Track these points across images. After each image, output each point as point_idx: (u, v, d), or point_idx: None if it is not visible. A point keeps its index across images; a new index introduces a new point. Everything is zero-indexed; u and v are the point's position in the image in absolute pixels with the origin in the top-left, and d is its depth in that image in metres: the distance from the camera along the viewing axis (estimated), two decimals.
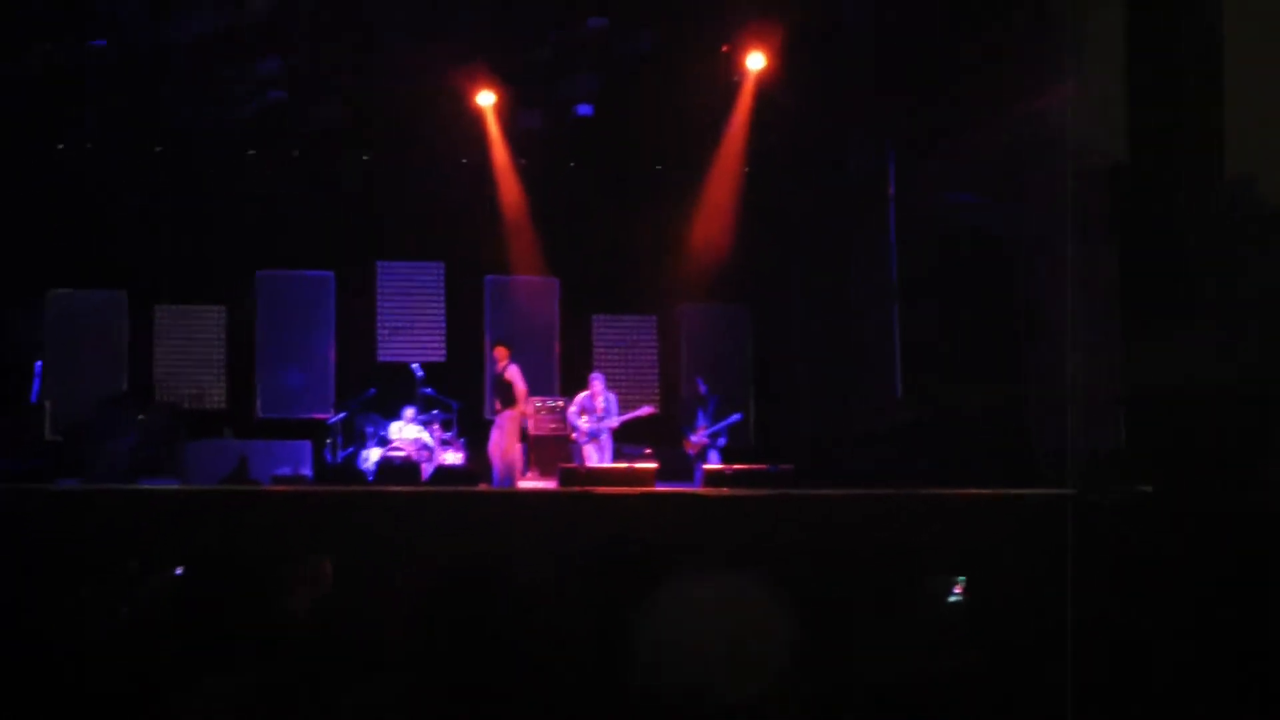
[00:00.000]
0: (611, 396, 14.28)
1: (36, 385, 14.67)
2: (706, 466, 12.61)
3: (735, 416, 14.53)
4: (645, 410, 14.50)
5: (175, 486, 12.20)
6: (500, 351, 14.14)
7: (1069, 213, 11.06)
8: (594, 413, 14.08)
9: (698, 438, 14.17)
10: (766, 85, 15.19)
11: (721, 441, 14.31)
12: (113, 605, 3.85)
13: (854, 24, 13.88)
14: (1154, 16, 10.02)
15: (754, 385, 16.65)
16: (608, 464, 13.68)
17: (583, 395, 14.23)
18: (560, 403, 15.04)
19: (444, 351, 16.56)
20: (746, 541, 7.90)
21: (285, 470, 13.00)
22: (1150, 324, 10.15)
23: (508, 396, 13.95)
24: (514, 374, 14.00)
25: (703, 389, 14.36)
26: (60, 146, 15.65)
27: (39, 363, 14.83)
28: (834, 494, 9.96)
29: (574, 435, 14.27)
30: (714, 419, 14.24)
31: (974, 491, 8.86)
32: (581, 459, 13.92)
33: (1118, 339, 10.28)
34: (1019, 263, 12.58)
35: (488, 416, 15.04)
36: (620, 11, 14.40)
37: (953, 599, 4.05)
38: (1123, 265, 10.31)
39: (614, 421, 14.13)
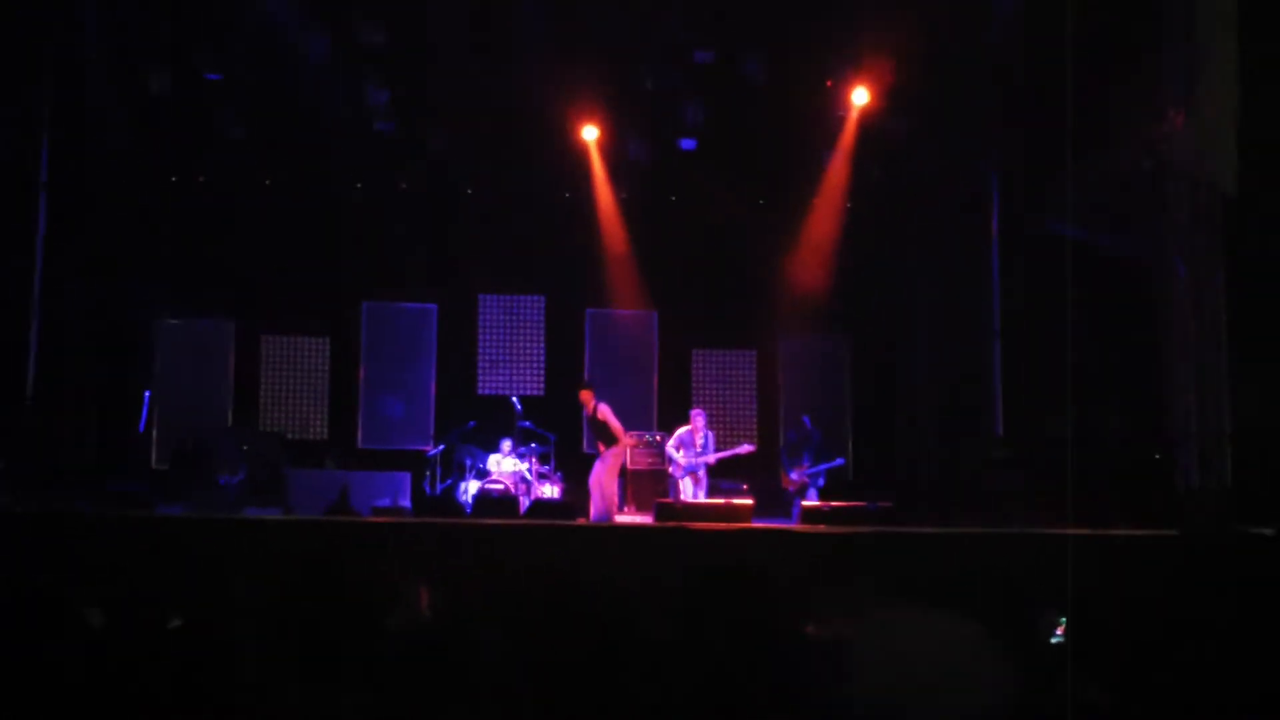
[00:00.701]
0: (710, 434, 14.20)
1: (144, 414, 14.96)
2: (805, 503, 12.49)
3: (838, 460, 14.36)
4: (745, 448, 14.37)
5: (278, 516, 12.36)
6: (585, 395, 13.89)
7: (1178, 245, 10.87)
8: (692, 447, 13.99)
9: (798, 475, 14.02)
10: (870, 118, 15.14)
11: (820, 481, 14.15)
12: (213, 630, 3.90)
13: (959, 56, 13.76)
14: (1268, 49, 9.85)
15: (853, 419, 16.51)
16: (703, 499, 13.62)
17: (683, 430, 14.14)
18: (659, 437, 15.01)
19: (543, 385, 16.66)
20: (845, 578, 7.82)
21: (384, 501, 13.09)
22: (1260, 359, 9.92)
23: (607, 436, 13.80)
24: (605, 412, 13.88)
25: (808, 425, 14.22)
26: (173, 179, 16.01)
27: (148, 392, 15.12)
28: (933, 531, 9.84)
29: (670, 469, 14.21)
30: (817, 458, 14.08)
31: (1075, 530, 8.69)
32: (677, 493, 13.87)
33: (1226, 375, 10.06)
34: (1127, 296, 12.37)
35: (586, 450, 15.08)
36: (725, 46, 14.46)
37: (1055, 640, 3.97)
38: (1232, 299, 10.10)
39: (711, 458, 14.04)
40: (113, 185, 14.94)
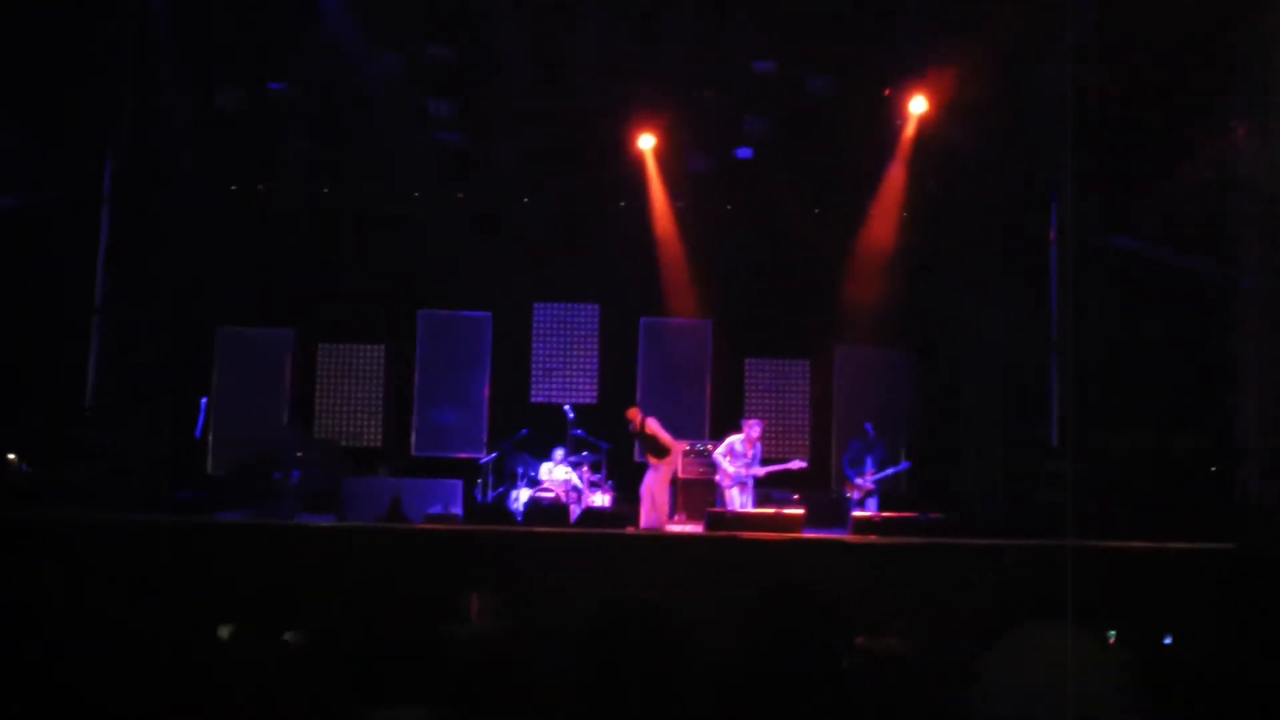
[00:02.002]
0: (759, 446, 14.15)
1: (201, 421, 15.10)
2: (855, 514, 12.44)
3: (904, 464, 14.32)
4: (796, 464, 14.29)
5: (333, 523, 12.47)
6: (632, 413, 14.34)
7: (1244, 260, 10.77)
8: (742, 457, 13.94)
9: (864, 481, 13.93)
10: (928, 129, 15.09)
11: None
12: (275, 637, 3.95)
13: (1020, 67, 13.69)
14: None
15: (909, 431, 16.38)
16: (752, 509, 13.57)
17: (734, 438, 14.09)
18: (709, 446, 14.97)
19: (596, 393, 16.68)
20: (891, 590, 7.80)
21: (437, 509, 13.17)
22: None
23: (657, 448, 14.05)
24: (654, 426, 14.10)
25: (871, 433, 14.13)
26: (233, 188, 16.20)
27: (204, 399, 15.28)
28: (981, 544, 9.79)
29: (717, 477, 14.16)
30: (881, 465, 14.01)
31: (1129, 544, 8.63)
32: (724, 502, 13.84)
33: None
34: (1188, 309, 12.26)
35: (637, 460, 15.10)
36: (785, 56, 14.47)
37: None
38: None
39: (761, 470, 13.99)
40: (173, 194, 15.11)
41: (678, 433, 14.73)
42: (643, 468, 14.48)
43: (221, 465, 15.49)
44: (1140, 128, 12.07)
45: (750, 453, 13.98)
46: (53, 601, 3.40)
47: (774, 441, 16.18)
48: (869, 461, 14.00)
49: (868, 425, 14.17)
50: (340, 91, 14.70)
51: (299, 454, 14.07)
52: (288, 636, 3.85)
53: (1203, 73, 11.32)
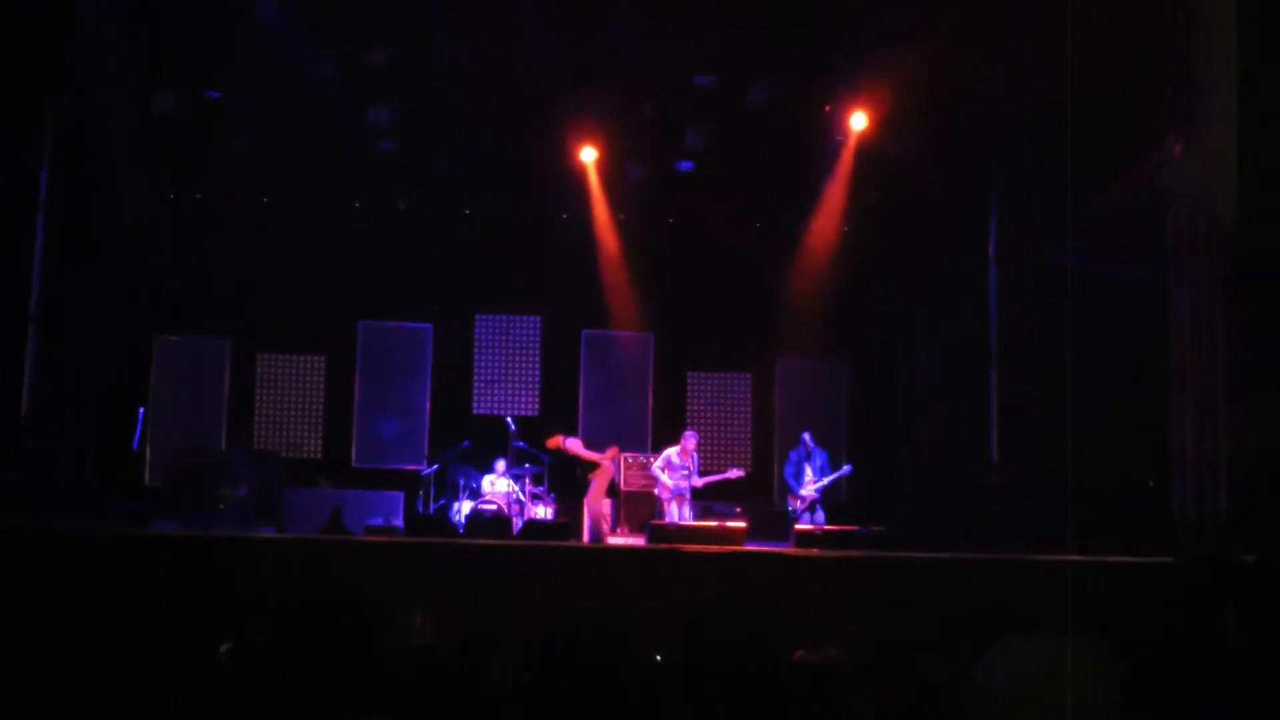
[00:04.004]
0: (697, 458, 14.19)
1: (138, 431, 14.90)
2: (798, 527, 12.47)
3: (845, 469, 14.28)
4: (734, 473, 14.35)
5: (272, 535, 12.34)
6: (551, 443, 14.47)
7: (1177, 273, 10.90)
8: (679, 470, 13.95)
9: (806, 492, 13.94)
10: (868, 143, 15.19)
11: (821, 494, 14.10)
12: (211, 650, 3.89)
13: (959, 82, 13.81)
14: (1269, 79, 9.89)
15: (850, 443, 16.46)
16: (691, 521, 13.59)
17: (670, 450, 14.11)
18: (649, 458, 14.97)
19: (538, 405, 16.64)
20: (831, 603, 7.82)
21: (378, 521, 13.07)
22: (1258, 387, 9.93)
23: (584, 465, 14.20)
24: (573, 445, 14.42)
25: (809, 443, 14.16)
26: (171, 196, 16.03)
27: (141, 409, 15.07)
28: (922, 557, 9.85)
29: (657, 490, 14.17)
30: (821, 473, 14.03)
31: (1069, 558, 8.70)
32: (665, 515, 13.85)
33: (1224, 401, 10.06)
34: (1125, 322, 12.38)
35: (579, 472, 15.07)
36: (726, 70, 14.52)
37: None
38: (1231, 326, 10.10)
39: (699, 481, 14.02)
40: (110, 202, 14.90)
41: (621, 445, 14.76)
42: (585, 479, 14.47)
43: (159, 475, 15.29)
44: (1079, 141, 12.20)
45: (688, 465, 14.00)
46: None
47: (716, 454, 16.21)
48: (809, 471, 14.03)
49: (805, 435, 14.21)
50: (280, 98, 14.59)
51: (245, 466, 13.92)
52: (223, 649, 3.79)
53: (1141, 86, 11.46)
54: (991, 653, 3.00)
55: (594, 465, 14.32)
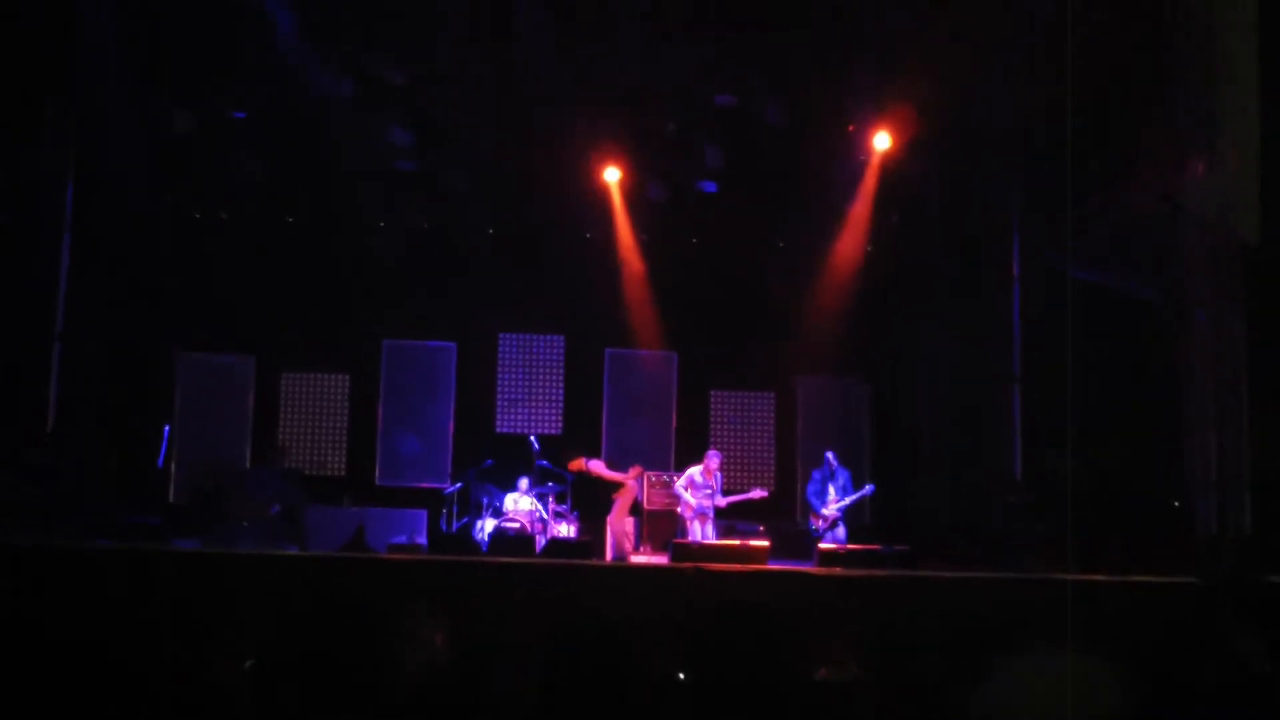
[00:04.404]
0: (720, 477, 14.16)
1: (164, 449, 14.97)
2: (821, 546, 12.43)
3: (868, 488, 14.22)
4: (757, 493, 14.32)
5: (295, 552, 12.36)
6: (572, 465, 14.48)
7: (1200, 291, 10.86)
8: (703, 488, 13.92)
9: (829, 511, 13.89)
10: (891, 162, 15.21)
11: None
12: (234, 664, 3.91)
13: (983, 102, 13.81)
14: None
15: (873, 462, 16.42)
16: (714, 540, 13.56)
17: (694, 469, 14.08)
18: (672, 477, 14.95)
19: (561, 424, 16.66)
20: (855, 622, 7.79)
21: (401, 539, 13.09)
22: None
23: (608, 486, 14.17)
24: (596, 467, 14.36)
25: (833, 462, 14.12)
26: (197, 216, 16.13)
27: (167, 427, 15.14)
28: (946, 576, 9.80)
29: (680, 509, 14.15)
30: (844, 492, 13.98)
31: (1093, 576, 8.65)
32: (686, 534, 13.82)
33: (1247, 420, 10.02)
34: (1147, 341, 12.34)
35: (602, 491, 15.06)
36: (747, 90, 14.56)
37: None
38: (1252, 345, 10.07)
39: (722, 501, 13.99)
40: (136, 222, 15.02)
41: (646, 464, 14.78)
42: (608, 498, 14.48)
43: (184, 494, 15.35)
44: (1100, 160, 12.19)
45: (711, 484, 13.98)
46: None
47: (739, 473, 16.21)
48: (832, 490, 13.98)
49: (828, 454, 14.16)
50: (303, 120, 14.68)
51: (276, 485, 13.97)
52: (248, 665, 3.81)
53: (1161, 105, 11.44)
54: (1012, 671, 3.01)
55: (618, 485, 14.33)
